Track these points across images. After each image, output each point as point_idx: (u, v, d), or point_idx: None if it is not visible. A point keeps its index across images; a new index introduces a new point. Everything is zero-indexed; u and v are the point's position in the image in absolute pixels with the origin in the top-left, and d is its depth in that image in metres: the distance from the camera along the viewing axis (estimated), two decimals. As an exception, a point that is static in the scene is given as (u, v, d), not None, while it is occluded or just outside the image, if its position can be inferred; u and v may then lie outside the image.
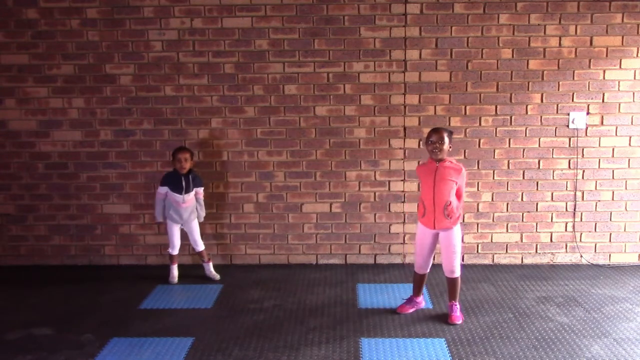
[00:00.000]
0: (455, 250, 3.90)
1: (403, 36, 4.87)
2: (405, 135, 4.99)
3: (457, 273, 3.96)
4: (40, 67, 4.95)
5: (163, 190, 4.64)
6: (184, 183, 4.60)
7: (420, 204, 3.97)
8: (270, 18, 4.85)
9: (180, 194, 4.60)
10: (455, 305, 3.98)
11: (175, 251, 4.77)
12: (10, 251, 5.19)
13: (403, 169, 5.02)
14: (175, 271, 4.78)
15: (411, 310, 4.09)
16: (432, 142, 3.83)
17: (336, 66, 4.90)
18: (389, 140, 5.00)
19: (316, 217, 5.10)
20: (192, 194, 4.67)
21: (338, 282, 4.69)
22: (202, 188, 4.77)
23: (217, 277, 4.79)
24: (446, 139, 3.83)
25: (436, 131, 3.87)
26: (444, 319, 3.97)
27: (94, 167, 5.07)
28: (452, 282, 3.98)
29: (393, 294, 4.43)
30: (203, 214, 4.79)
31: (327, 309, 4.18)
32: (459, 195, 3.91)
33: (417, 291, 4.13)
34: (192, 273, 4.86)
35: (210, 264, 4.84)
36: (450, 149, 3.91)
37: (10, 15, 4.88)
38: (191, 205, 4.68)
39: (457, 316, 3.94)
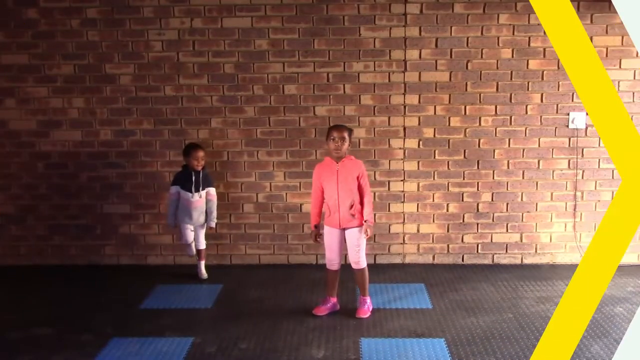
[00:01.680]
0: (360, 246, 3.99)
1: (403, 36, 4.87)
2: (405, 135, 4.99)
3: (363, 264, 4.03)
4: (40, 67, 4.95)
5: (175, 189, 4.66)
6: (193, 179, 4.61)
7: (325, 206, 4.02)
8: (270, 18, 4.85)
9: (191, 191, 4.61)
10: (366, 300, 4.05)
11: (190, 246, 4.77)
12: (10, 251, 5.19)
13: (403, 169, 5.02)
14: (202, 267, 4.79)
15: (327, 312, 4.06)
16: (333, 138, 3.88)
17: (336, 66, 4.90)
18: (389, 140, 5.00)
19: (316, 217, 5.09)
20: (203, 193, 4.68)
21: (338, 282, 4.69)
22: (214, 189, 4.77)
23: (205, 276, 4.79)
24: (347, 137, 3.90)
25: (337, 128, 3.94)
26: (444, 318, 3.97)
27: (94, 167, 5.07)
28: (359, 273, 4.04)
29: (393, 294, 4.44)
30: (214, 219, 4.76)
31: (327, 308, 4.18)
32: (363, 192, 3.94)
33: (331, 291, 4.11)
34: (192, 273, 4.85)
35: (203, 263, 4.84)
36: (350, 147, 4.00)
37: (10, 16, 4.88)
38: (201, 205, 4.69)
39: (365, 310, 4.01)
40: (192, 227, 4.75)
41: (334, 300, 4.12)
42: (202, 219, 4.73)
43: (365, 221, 3.95)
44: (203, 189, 4.68)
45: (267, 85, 4.94)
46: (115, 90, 4.97)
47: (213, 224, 4.80)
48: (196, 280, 4.78)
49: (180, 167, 4.76)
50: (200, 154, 4.65)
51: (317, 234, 4.08)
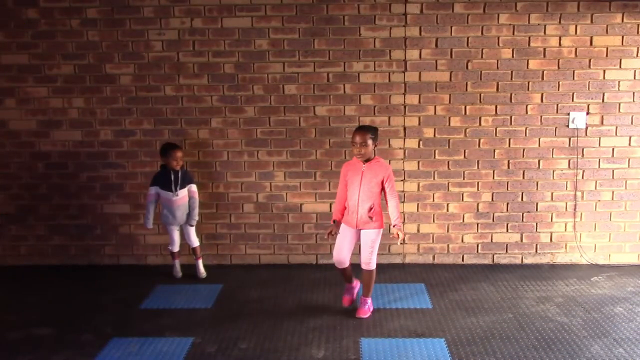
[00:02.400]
0: (373, 248, 3.98)
1: (403, 36, 4.87)
2: (405, 135, 4.99)
3: (373, 266, 4.02)
4: (40, 67, 4.95)
5: (153, 190, 4.66)
6: (173, 178, 4.61)
7: (345, 204, 4.02)
8: (270, 18, 4.85)
9: (172, 190, 4.60)
10: (367, 301, 4.06)
11: (175, 248, 4.79)
12: (10, 251, 5.19)
13: (403, 169, 5.02)
14: (178, 266, 4.83)
15: (353, 299, 4.15)
16: (355, 144, 3.87)
17: (336, 66, 4.90)
18: (389, 140, 5.00)
19: (316, 217, 5.10)
20: (185, 190, 4.67)
21: (338, 282, 4.68)
22: (195, 185, 4.75)
23: (204, 275, 4.80)
24: (369, 140, 3.86)
25: (359, 132, 3.90)
26: (444, 318, 3.97)
27: (94, 167, 5.07)
28: (367, 274, 4.03)
29: (393, 294, 4.44)
30: (196, 217, 4.73)
31: (327, 308, 4.18)
32: (389, 197, 3.94)
33: (348, 279, 4.17)
34: (192, 273, 4.86)
35: (201, 262, 4.84)
36: (376, 147, 4.00)
37: (10, 15, 4.88)
38: (184, 202, 4.67)
39: (365, 310, 4.03)
40: (177, 228, 4.74)
41: (352, 284, 4.18)
42: (186, 217, 4.72)
43: (394, 226, 3.92)
44: (183, 187, 4.66)
45: (267, 85, 4.94)
46: (115, 90, 4.97)
47: (194, 223, 4.76)
48: (196, 280, 4.78)
49: (159, 167, 4.75)
50: (179, 154, 4.63)
51: (333, 230, 4.03)
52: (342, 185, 4.03)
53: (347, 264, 4.05)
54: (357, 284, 4.22)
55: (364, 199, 3.90)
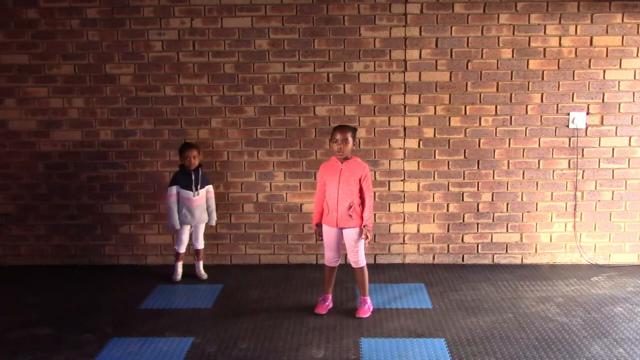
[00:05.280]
0: (358, 247, 4.00)
1: (403, 36, 4.87)
2: (405, 135, 4.99)
3: (362, 263, 4.04)
4: (40, 67, 4.95)
5: (174, 190, 4.65)
6: (193, 177, 4.63)
7: (324, 204, 4.03)
8: (270, 18, 4.85)
9: (192, 189, 4.61)
10: (366, 300, 4.07)
11: (182, 249, 4.77)
12: (10, 251, 5.19)
13: (403, 169, 5.02)
14: (179, 269, 4.80)
15: (327, 309, 4.11)
16: (336, 141, 3.89)
17: (336, 66, 4.90)
18: (389, 140, 5.00)
19: (316, 217, 5.10)
20: (204, 191, 4.71)
21: (338, 282, 4.68)
22: (212, 186, 4.82)
23: (205, 276, 4.78)
24: (350, 138, 3.90)
25: (340, 130, 3.93)
26: (444, 318, 3.97)
27: (94, 167, 5.07)
28: (359, 272, 4.06)
29: (393, 294, 4.44)
30: (214, 216, 4.82)
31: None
32: (365, 196, 3.95)
33: (328, 287, 4.16)
34: (192, 273, 4.85)
35: (201, 263, 4.84)
36: (354, 147, 4.01)
37: (10, 15, 4.88)
38: (202, 203, 4.70)
39: (365, 310, 4.03)
40: (189, 229, 4.74)
41: (330, 296, 4.16)
42: (204, 216, 4.74)
43: (364, 226, 3.95)
44: (202, 187, 4.69)
45: (267, 85, 4.94)
46: (115, 90, 4.97)
47: (214, 222, 4.82)
48: (196, 280, 4.77)
49: (177, 167, 4.76)
50: (192, 153, 4.65)
51: (320, 233, 4.10)
52: (320, 186, 4.05)
53: (338, 259, 4.08)
54: (330, 299, 4.18)
55: (343, 197, 3.92)
